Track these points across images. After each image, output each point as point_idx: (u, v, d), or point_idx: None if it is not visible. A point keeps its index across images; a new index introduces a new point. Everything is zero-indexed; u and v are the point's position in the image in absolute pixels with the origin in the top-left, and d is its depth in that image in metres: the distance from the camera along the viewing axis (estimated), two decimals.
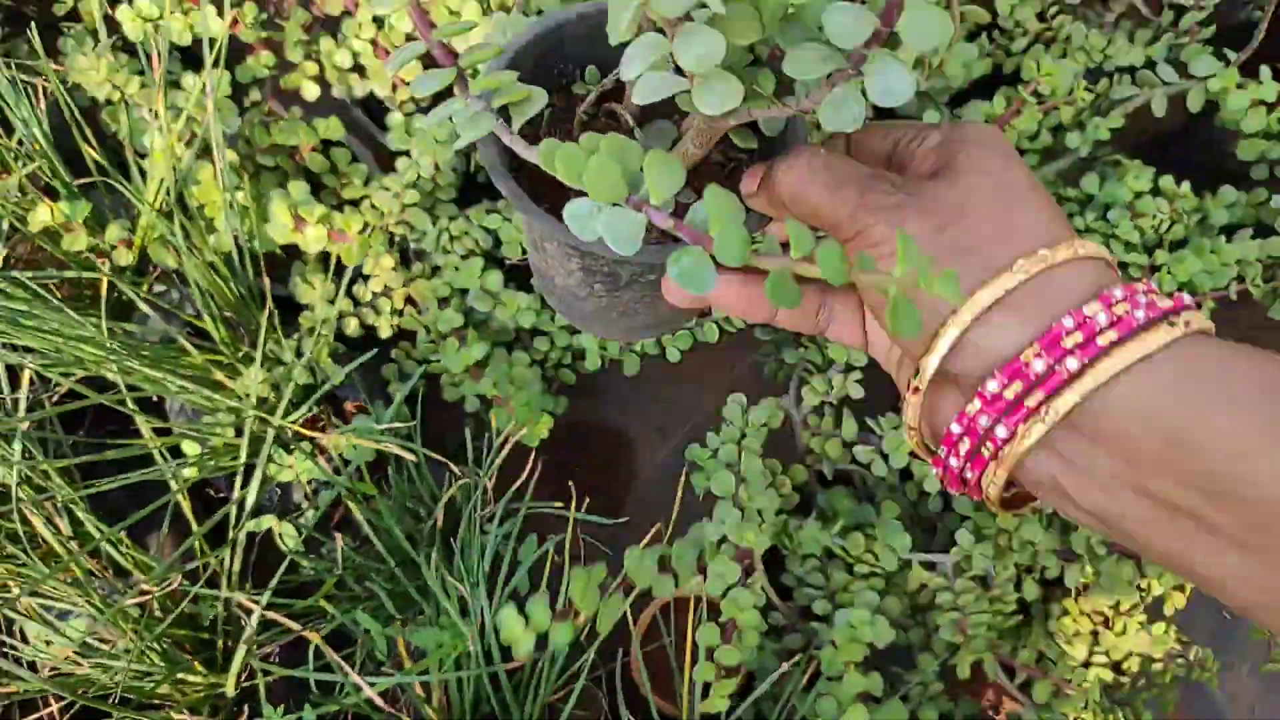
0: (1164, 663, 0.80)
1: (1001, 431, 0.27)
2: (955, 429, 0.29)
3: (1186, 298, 0.27)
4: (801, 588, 0.77)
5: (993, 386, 0.27)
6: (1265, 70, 0.76)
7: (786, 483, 0.76)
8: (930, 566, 0.73)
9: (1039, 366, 0.26)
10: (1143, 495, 0.26)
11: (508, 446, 0.66)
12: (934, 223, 0.28)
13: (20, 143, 0.68)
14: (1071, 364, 0.26)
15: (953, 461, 0.29)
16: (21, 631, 0.67)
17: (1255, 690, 0.92)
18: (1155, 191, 0.79)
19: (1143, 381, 0.26)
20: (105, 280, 0.63)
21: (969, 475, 0.29)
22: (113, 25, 0.74)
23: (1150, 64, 0.80)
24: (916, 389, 0.29)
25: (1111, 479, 0.26)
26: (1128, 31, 0.85)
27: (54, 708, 0.65)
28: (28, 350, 0.64)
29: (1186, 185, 0.78)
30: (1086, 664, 0.80)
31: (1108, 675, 0.79)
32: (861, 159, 0.32)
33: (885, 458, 0.71)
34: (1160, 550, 0.26)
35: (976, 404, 0.28)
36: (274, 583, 0.63)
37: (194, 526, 0.67)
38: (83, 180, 0.68)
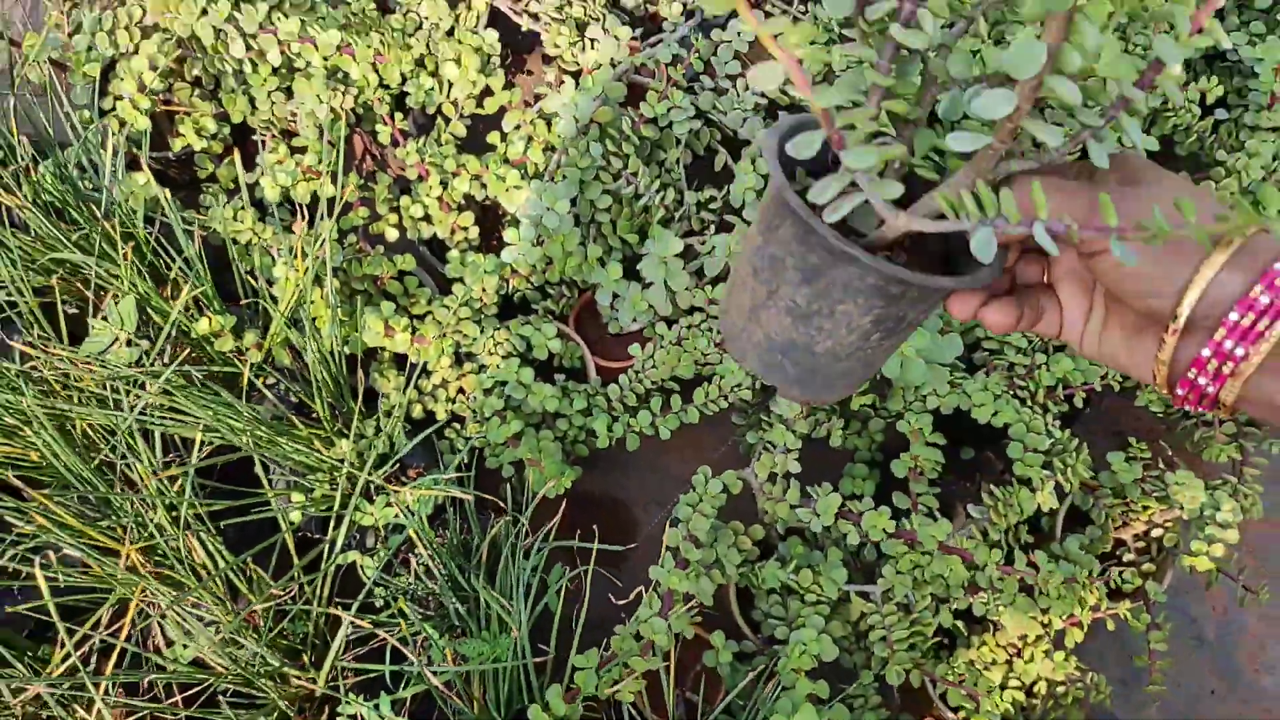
0: (1066, 686, 0.97)
1: (1240, 351, 0.35)
2: (1206, 353, 0.37)
3: None
4: (767, 620, 0.96)
5: (1234, 316, 0.35)
6: None
7: (747, 541, 0.97)
8: (865, 596, 0.93)
9: (1264, 300, 0.34)
10: None
11: (539, 497, 0.87)
12: (1158, 209, 0.35)
13: (184, 270, 0.92)
14: None
15: (1200, 380, 0.37)
16: (155, 644, 0.87)
17: None
18: None
19: None
20: (246, 374, 0.86)
21: (1210, 390, 0.37)
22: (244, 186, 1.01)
23: None
24: (1175, 330, 0.37)
25: None
26: None
27: (178, 697, 0.83)
28: (181, 420, 0.87)
29: None
30: (1003, 687, 0.97)
31: (1021, 697, 0.96)
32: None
33: (818, 517, 0.92)
34: None
35: (1222, 331, 0.36)
36: (360, 599, 0.83)
37: (295, 559, 0.88)
38: (233, 302, 0.92)
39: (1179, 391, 0.39)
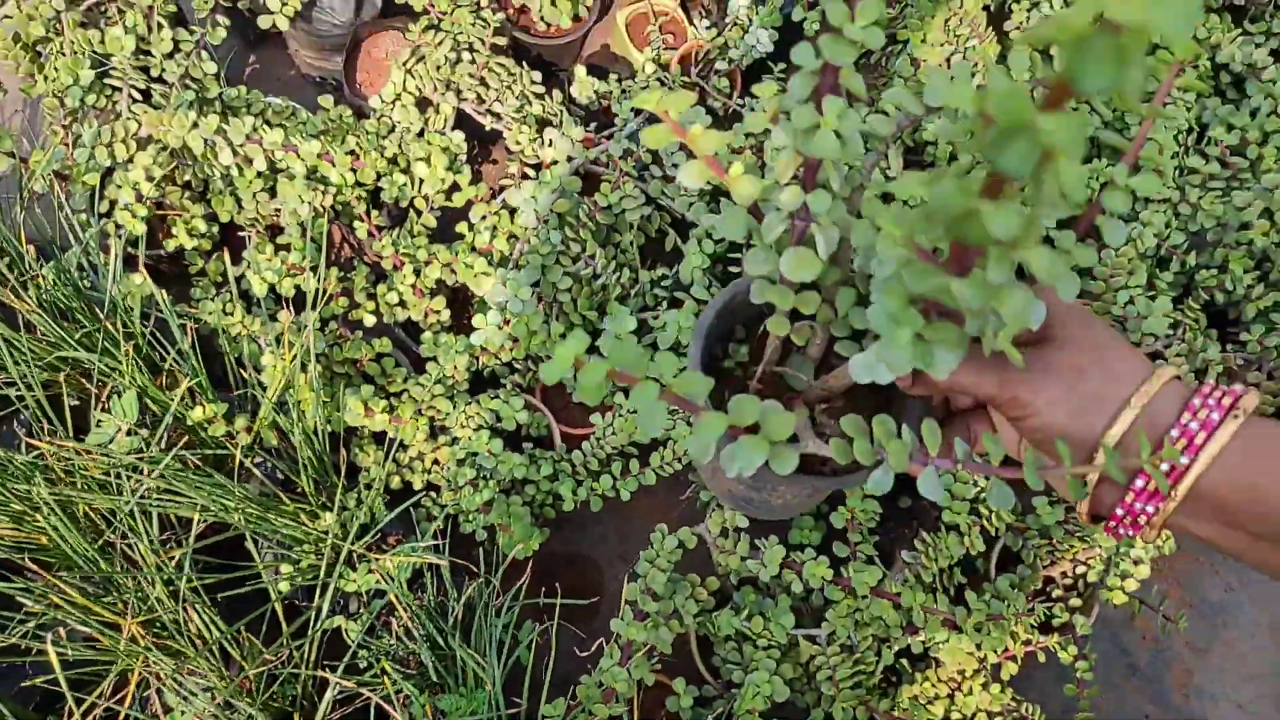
0: (1003, 716, 1.05)
1: (1150, 509, 0.40)
2: (1120, 511, 0.41)
3: (1239, 388, 0.40)
4: (725, 665, 1.04)
5: (1139, 483, 0.40)
6: None
7: (704, 591, 1.05)
8: (813, 640, 1.01)
9: (1165, 466, 0.39)
10: (1235, 528, 0.39)
11: (509, 559, 0.95)
12: (1064, 385, 0.39)
13: (178, 361, 1.01)
14: (1184, 460, 0.39)
15: (1120, 530, 0.42)
16: (154, 710, 0.93)
17: None
18: None
19: (1226, 462, 0.38)
20: (237, 456, 0.94)
21: (1131, 532, 0.42)
22: (227, 279, 1.10)
23: None
24: (1087, 496, 0.42)
25: (1214, 520, 0.40)
26: None
27: None
28: (177, 502, 0.95)
29: None
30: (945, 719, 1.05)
31: None
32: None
33: (765, 567, 1.00)
34: (1251, 559, 0.41)
35: (1131, 495, 0.40)
36: (345, 661, 0.90)
37: (284, 627, 0.95)
38: (219, 388, 1.01)
39: (1103, 531, 0.44)
